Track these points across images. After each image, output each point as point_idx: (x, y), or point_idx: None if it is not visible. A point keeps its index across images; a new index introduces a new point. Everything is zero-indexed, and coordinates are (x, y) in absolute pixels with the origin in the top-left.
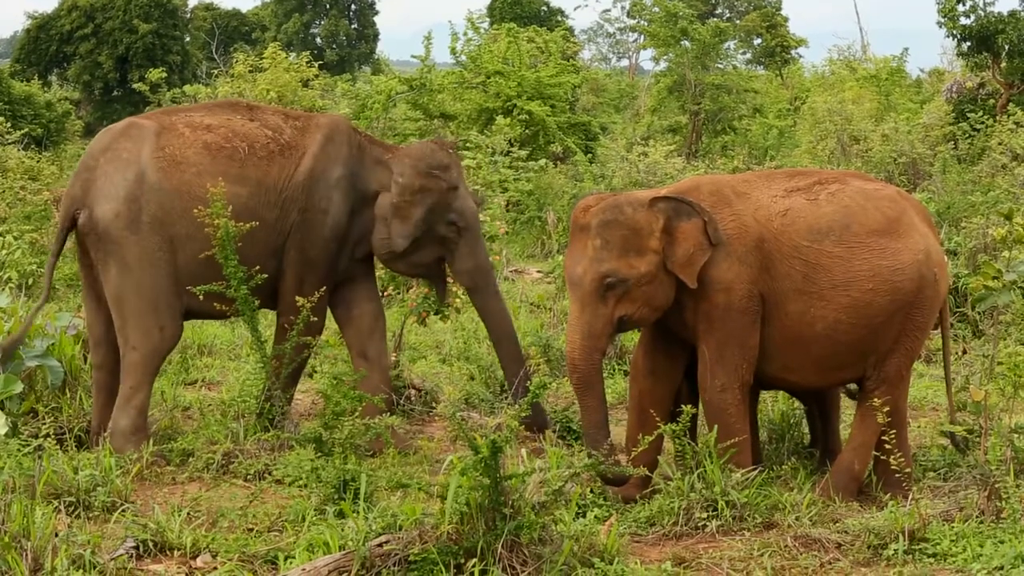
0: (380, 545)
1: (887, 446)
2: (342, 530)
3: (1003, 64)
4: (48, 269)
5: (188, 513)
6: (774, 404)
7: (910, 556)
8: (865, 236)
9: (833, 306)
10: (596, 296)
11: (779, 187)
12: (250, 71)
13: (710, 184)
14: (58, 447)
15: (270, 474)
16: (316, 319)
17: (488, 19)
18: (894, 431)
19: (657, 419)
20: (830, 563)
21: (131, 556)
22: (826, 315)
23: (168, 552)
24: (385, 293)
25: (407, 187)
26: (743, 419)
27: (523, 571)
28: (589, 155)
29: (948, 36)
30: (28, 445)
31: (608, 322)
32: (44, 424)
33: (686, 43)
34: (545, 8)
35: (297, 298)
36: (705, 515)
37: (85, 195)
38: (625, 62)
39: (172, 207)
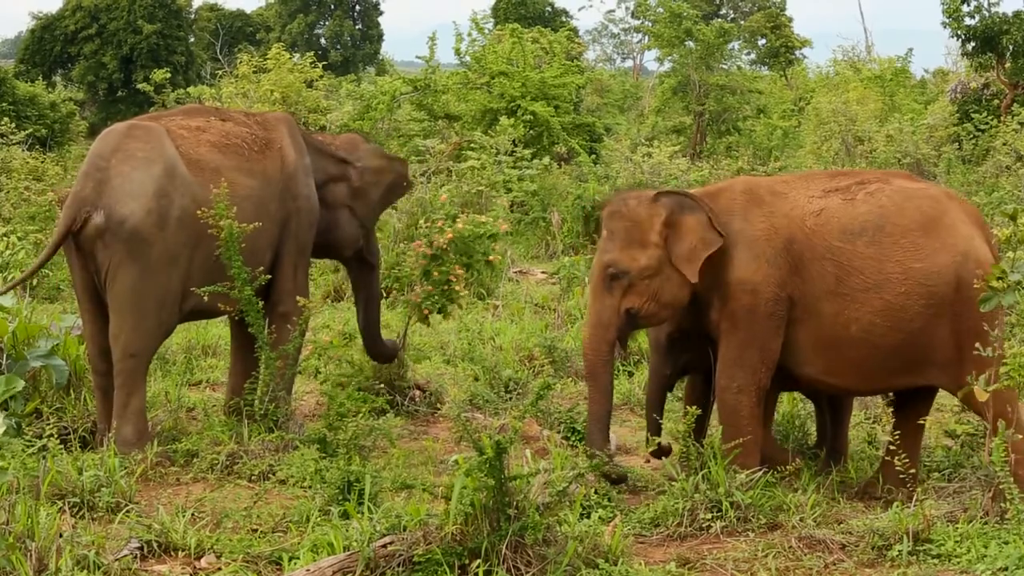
0: (384, 546)
1: (891, 447)
2: (346, 531)
3: (1008, 64)
4: (43, 257)
5: (192, 514)
6: (778, 405)
7: (914, 557)
8: (899, 237)
9: (867, 308)
10: (602, 286)
11: (817, 187)
12: (254, 72)
13: (744, 183)
14: (62, 447)
15: (274, 475)
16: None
17: (492, 20)
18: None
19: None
20: (834, 564)
21: (135, 557)
22: (860, 317)
23: (172, 553)
24: (388, 293)
25: (368, 169)
26: (756, 422)
27: (527, 572)
28: (593, 156)
29: (952, 36)
30: (32, 445)
31: (614, 313)
32: (48, 424)
33: (690, 44)
34: (549, 8)
35: (299, 298)
36: (709, 516)
37: (99, 196)
38: (629, 63)
39: (204, 201)
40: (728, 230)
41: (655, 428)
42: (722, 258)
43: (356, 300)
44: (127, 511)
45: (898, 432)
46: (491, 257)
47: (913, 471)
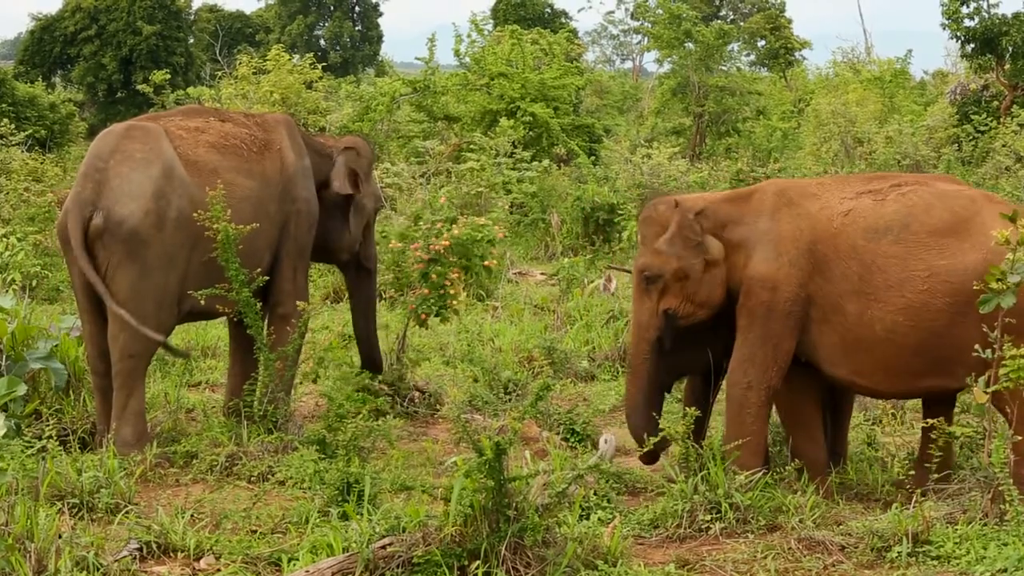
0: (384, 547)
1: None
2: (346, 532)
3: (1007, 66)
4: (85, 271)
5: (192, 515)
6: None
7: (914, 559)
8: (925, 236)
9: (889, 307)
10: (640, 289)
11: (852, 189)
12: (254, 73)
13: (779, 185)
14: (61, 449)
15: (273, 476)
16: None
17: (492, 21)
18: None
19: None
20: (833, 565)
21: (135, 558)
22: (883, 316)
23: (172, 554)
24: (387, 296)
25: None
26: (761, 421)
27: (527, 573)
28: (593, 157)
29: (952, 38)
30: (32, 446)
31: (652, 314)
32: (48, 426)
33: (690, 45)
34: (549, 10)
35: (298, 303)
36: (709, 517)
37: (98, 197)
38: (629, 64)
39: (201, 202)
40: (755, 229)
41: (652, 428)
42: (747, 256)
43: (353, 307)
44: (126, 512)
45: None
46: (488, 263)
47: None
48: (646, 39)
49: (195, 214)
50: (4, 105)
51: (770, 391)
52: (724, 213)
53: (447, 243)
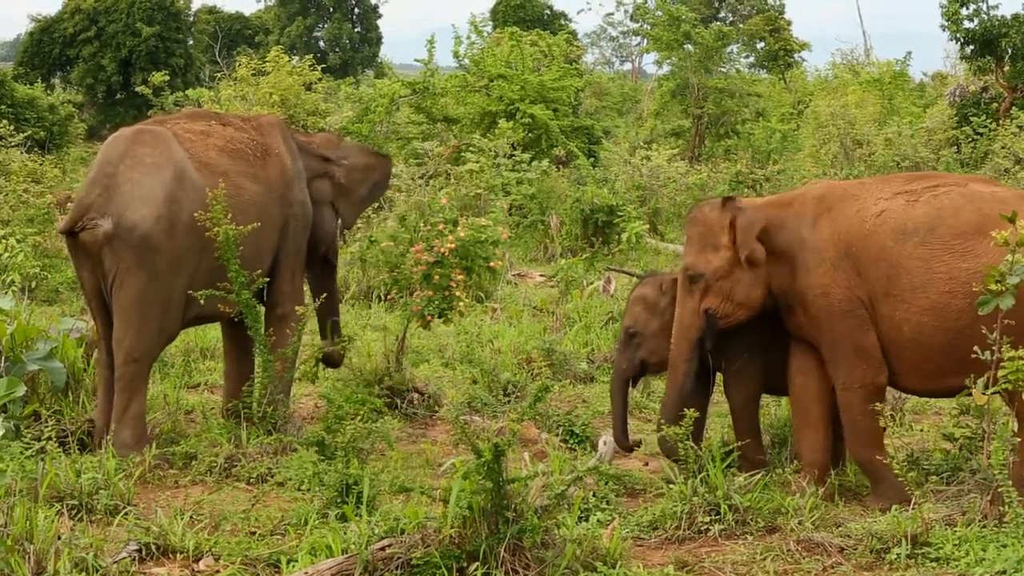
0: (382, 549)
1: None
2: (344, 534)
3: (1006, 68)
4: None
5: (191, 516)
6: (777, 409)
7: (913, 560)
8: (950, 238)
9: (914, 309)
10: (684, 288)
11: (889, 190)
12: (253, 74)
13: (820, 189)
14: (60, 450)
15: (272, 477)
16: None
17: (491, 23)
18: None
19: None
20: (832, 567)
21: (133, 559)
22: (910, 318)
23: (171, 555)
24: (388, 297)
25: (356, 167)
26: (867, 417)
27: (525, 575)
28: (592, 159)
29: (951, 40)
30: (31, 448)
31: (694, 314)
32: (47, 427)
33: (689, 47)
34: (548, 12)
35: (297, 307)
36: (708, 519)
37: (107, 203)
38: (628, 66)
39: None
40: (796, 236)
41: (620, 423)
42: (790, 263)
43: (320, 304)
44: (125, 513)
45: None
46: (493, 263)
47: None
48: (645, 41)
49: (199, 216)
50: (3, 106)
51: (867, 389)
52: (768, 217)
53: (452, 245)
